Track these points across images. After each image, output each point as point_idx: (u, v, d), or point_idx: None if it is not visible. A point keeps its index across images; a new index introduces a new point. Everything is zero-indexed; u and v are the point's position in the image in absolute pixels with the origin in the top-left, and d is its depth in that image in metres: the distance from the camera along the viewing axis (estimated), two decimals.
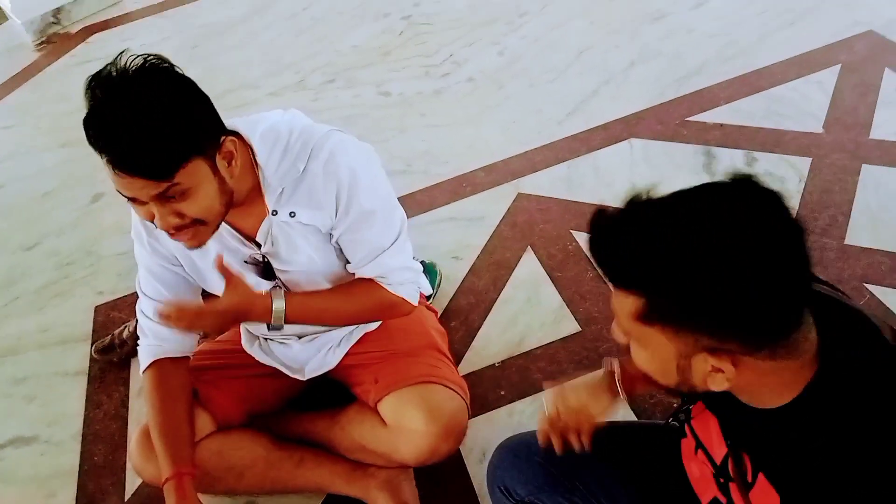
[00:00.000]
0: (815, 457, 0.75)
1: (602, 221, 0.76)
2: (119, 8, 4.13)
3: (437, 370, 1.54)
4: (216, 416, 1.53)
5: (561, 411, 1.09)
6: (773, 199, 0.70)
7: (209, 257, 1.38)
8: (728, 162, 2.25)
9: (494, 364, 1.82)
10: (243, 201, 1.30)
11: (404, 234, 1.44)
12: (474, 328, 1.92)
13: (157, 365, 1.48)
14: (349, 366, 1.58)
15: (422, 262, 1.68)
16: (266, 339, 1.58)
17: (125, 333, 2.04)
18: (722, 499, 0.95)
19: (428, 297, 1.86)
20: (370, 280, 1.43)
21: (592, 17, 3.10)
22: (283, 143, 1.30)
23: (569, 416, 1.09)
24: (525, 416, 1.70)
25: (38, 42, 3.94)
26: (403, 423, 1.46)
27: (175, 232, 1.20)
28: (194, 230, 1.22)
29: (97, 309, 2.24)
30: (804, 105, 2.41)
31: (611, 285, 0.78)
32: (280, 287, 1.42)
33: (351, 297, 1.44)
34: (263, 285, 1.42)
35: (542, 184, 2.32)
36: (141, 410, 1.80)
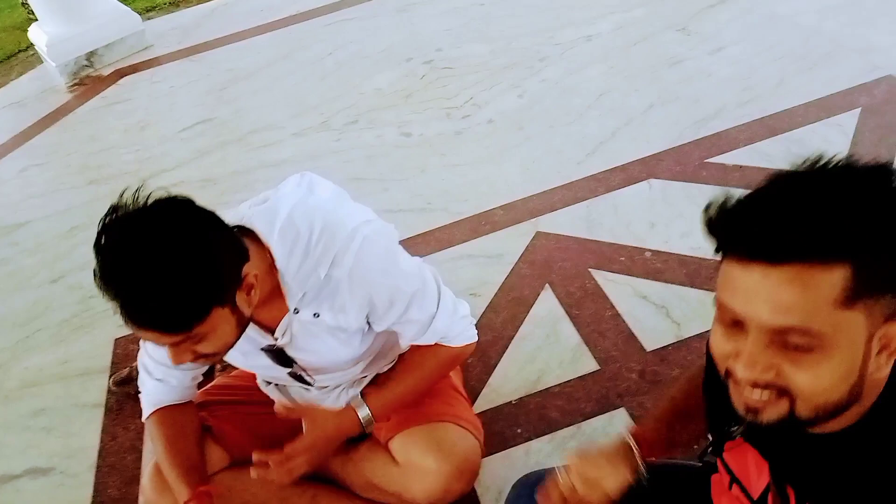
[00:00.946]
0: (874, 487, 0.72)
1: (762, 200, 0.69)
2: (149, 52, 4.27)
3: (451, 408, 1.53)
4: (231, 451, 1.52)
5: (577, 486, 1.07)
6: None
7: None
8: None
9: (511, 401, 1.80)
10: (264, 300, 1.23)
11: (442, 288, 1.42)
12: (492, 365, 1.91)
13: (159, 410, 1.46)
14: None
15: None
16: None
17: None
18: None
19: None
20: (430, 345, 1.42)
21: (612, 62, 3.14)
22: (304, 244, 1.23)
23: (585, 490, 1.07)
24: (542, 454, 1.67)
25: (71, 84, 4.07)
26: (414, 462, 1.44)
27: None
28: (205, 359, 1.19)
29: (117, 341, 2.26)
30: (825, 147, 2.35)
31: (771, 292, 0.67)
32: (305, 373, 1.41)
33: (421, 369, 1.45)
34: (279, 371, 1.43)
35: (562, 223, 2.32)
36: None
